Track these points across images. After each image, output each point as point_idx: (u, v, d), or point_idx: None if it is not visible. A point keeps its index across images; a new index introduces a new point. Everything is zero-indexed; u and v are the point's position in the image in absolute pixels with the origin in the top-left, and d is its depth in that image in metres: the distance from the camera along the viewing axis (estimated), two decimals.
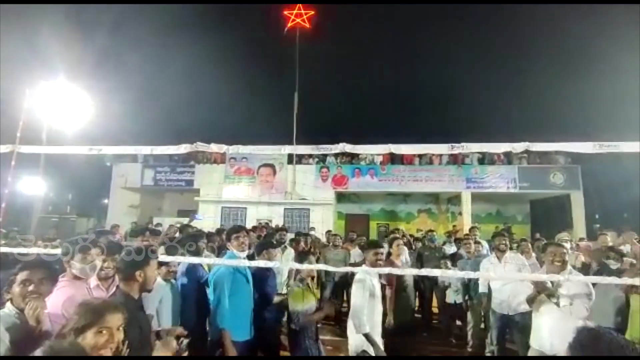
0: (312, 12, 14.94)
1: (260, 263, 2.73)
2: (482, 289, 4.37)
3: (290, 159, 13.04)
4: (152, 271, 2.05)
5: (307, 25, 14.91)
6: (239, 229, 3.10)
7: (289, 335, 2.94)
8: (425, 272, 2.95)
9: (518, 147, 2.39)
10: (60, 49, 10.54)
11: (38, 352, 1.02)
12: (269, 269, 3.23)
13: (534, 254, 4.80)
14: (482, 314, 4.74)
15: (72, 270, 2.30)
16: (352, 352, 2.78)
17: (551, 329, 2.65)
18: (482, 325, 4.92)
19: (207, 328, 2.98)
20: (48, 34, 11.02)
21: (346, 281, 5.29)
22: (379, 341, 2.78)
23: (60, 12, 12.13)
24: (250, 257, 3.74)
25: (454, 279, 5.05)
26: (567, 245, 4.56)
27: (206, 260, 3.14)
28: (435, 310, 5.79)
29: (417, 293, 5.38)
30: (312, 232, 8.12)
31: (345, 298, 5.74)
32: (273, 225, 9.74)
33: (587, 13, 13.99)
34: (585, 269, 3.98)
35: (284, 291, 3.71)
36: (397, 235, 5.56)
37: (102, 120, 11.49)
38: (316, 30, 15.06)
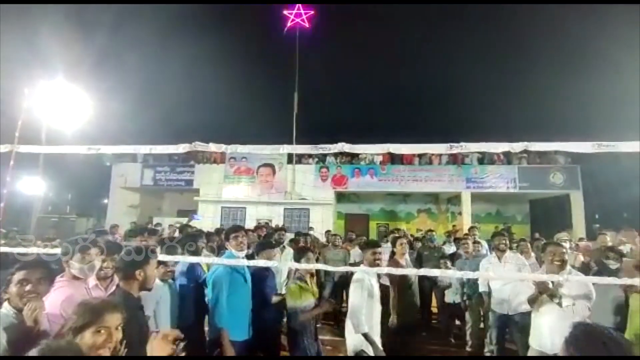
0: (312, 12, 14.92)
1: (259, 263, 2.72)
2: (482, 288, 4.37)
3: (290, 158, 13.05)
4: (152, 270, 2.08)
5: (307, 25, 14.91)
6: (238, 229, 3.10)
7: (288, 334, 2.94)
8: (423, 272, 2.95)
9: (517, 146, 2.39)
10: (60, 48, 10.54)
11: (34, 352, 1.01)
12: (267, 269, 3.23)
13: (533, 254, 4.80)
14: (482, 313, 4.74)
15: (71, 270, 2.30)
16: (350, 351, 2.78)
17: (552, 329, 2.65)
18: (482, 325, 4.92)
19: (207, 328, 2.98)
20: (47, 34, 11.02)
21: (346, 281, 5.28)
22: (378, 341, 2.78)
23: (60, 12, 12.13)
24: (250, 257, 3.75)
25: (453, 279, 5.05)
26: (566, 245, 4.57)
27: (205, 259, 3.13)
28: (434, 309, 5.79)
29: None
30: (311, 232, 8.11)
31: (344, 298, 5.74)
32: (273, 225, 9.74)
33: (587, 13, 13.99)
34: (584, 269, 3.98)
35: (284, 291, 3.71)
36: (401, 234, 5.57)
37: (102, 120, 11.49)
38: (316, 30, 15.08)
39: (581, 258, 4.49)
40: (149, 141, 2.99)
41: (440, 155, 12.47)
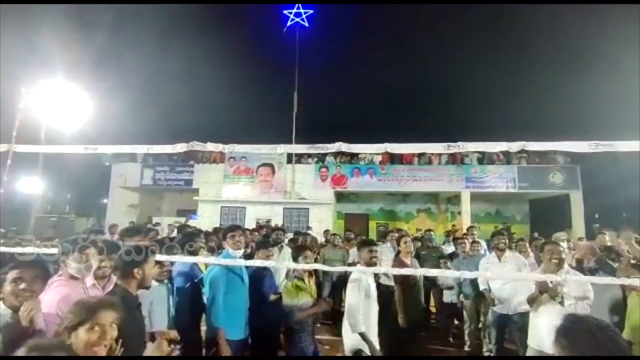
0: (311, 12, 14.93)
1: (256, 262, 2.73)
2: (482, 286, 4.36)
3: (290, 158, 13.06)
4: (150, 269, 2.10)
5: (306, 24, 14.92)
6: (235, 228, 3.12)
7: (285, 332, 2.95)
8: (422, 271, 2.95)
9: (514, 146, 2.39)
10: (59, 48, 10.53)
11: (22, 350, 1.01)
12: (265, 268, 3.23)
13: (532, 254, 4.80)
14: (484, 311, 4.73)
15: (69, 269, 2.30)
16: (347, 351, 2.78)
17: (551, 328, 2.64)
18: (480, 325, 4.92)
19: (205, 327, 2.98)
20: (47, 34, 11.01)
21: (344, 281, 5.26)
22: (375, 341, 2.78)
23: (59, 12, 12.12)
24: (248, 257, 3.75)
25: (451, 279, 5.05)
26: (564, 244, 4.57)
27: (202, 259, 3.13)
28: (432, 309, 5.79)
29: None
30: (309, 232, 8.12)
31: (343, 297, 5.73)
32: (272, 224, 9.75)
33: (586, 13, 13.99)
34: (579, 268, 3.98)
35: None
36: (404, 233, 5.58)
37: (101, 120, 11.48)
38: (316, 29, 15.09)
39: (577, 256, 4.49)
40: (148, 141, 3.00)
41: (440, 155, 12.48)
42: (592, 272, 3.65)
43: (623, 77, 11.62)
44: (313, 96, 14.98)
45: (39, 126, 9.21)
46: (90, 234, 5.62)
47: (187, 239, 3.49)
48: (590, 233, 10.46)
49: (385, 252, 5.60)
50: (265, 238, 5.06)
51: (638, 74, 10.51)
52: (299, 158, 13.30)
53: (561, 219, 12.01)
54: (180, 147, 2.73)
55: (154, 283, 2.49)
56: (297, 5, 14.99)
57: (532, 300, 2.84)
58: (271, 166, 13.18)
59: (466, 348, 4.85)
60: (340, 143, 2.50)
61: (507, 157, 12.60)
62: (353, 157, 13.08)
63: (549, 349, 2.63)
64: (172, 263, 3.07)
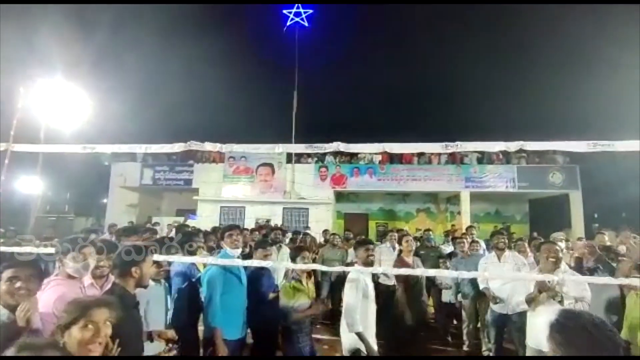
0: (311, 11, 14.92)
1: (254, 262, 2.73)
2: (482, 286, 4.36)
3: (289, 158, 13.05)
4: (148, 268, 2.12)
5: (306, 24, 14.91)
6: (233, 227, 3.14)
7: (282, 332, 2.95)
8: (420, 271, 2.95)
9: (512, 146, 2.39)
10: (59, 47, 10.52)
11: (10, 350, 1.01)
12: (264, 267, 3.24)
13: (530, 253, 4.80)
14: (482, 310, 4.73)
15: (66, 269, 2.30)
16: (345, 350, 2.79)
17: (547, 325, 2.64)
18: (479, 325, 4.92)
19: (203, 327, 2.98)
20: (46, 33, 11.00)
21: (343, 281, 5.24)
22: (373, 341, 2.79)
23: (58, 11, 12.11)
24: (247, 256, 3.75)
25: (449, 279, 5.05)
26: (563, 244, 4.57)
27: (200, 259, 3.13)
28: (430, 309, 5.79)
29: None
30: (308, 231, 8.11)
31: (342, 297, 5.73)
32: (272, 224, 9.75)
33: (586, 13, 13.98)
34: (578, 267, 3.98)
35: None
36: (405, 232, 5.58)
37: (101, 120, 11.47)
38: (315, 29, 15.08)
39: (577, 255, 4.49)
40: (148, 141, 3.00)
41: (440, 154, 12.49)
42: (591, 272, 3.65)
43: (622, 77, 11.62)
44: (313, 96, 14.98)
45: (39, 126, 9.20)
46: (87, 234, 5.62)
47: (186, 238, 3.49)
48: (590, 233, 10.46)
49: (384, 251, 5.60)
50: (264, 238, 5.06)
51: (637, 74, 10.51)
52: (299, 158, 13.29)
53: (561, 218, 12.01)
54: (178, 147, 2.73)
55: (150, 282, 2.49)
56: (296, 5, 14.99)
57: (530, 300, 2.84)
58: (271, 166, 13.18)
59: (465, 348, 4.85)
60: (339, 143, 2.50)
61: (506, 157, 12.59)
62: (352, 156, 13.08)
63: (547, 347, 2.63)
64: (169, 263, 3.07)
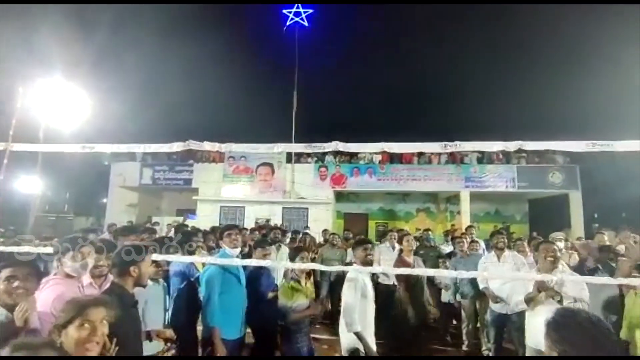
0: (311, 11, 14.91)
1: (252, 262, 2.72)
2: (482, 286, 4.36)
3: (289, 158, 13.04)
4: (147, 267, 2.13)
5: (306, 23, 14.90)
6: (231, 227, 3.14)
7: (280, 332, 2.94)
8: (419, 271, 2.95)
9: (511, 145, 2.39)
10: (58, 47, 10.52)
11: (5, 350, 1.00)
12: (263, 267, 3.24)
13: (530, 253, 4.79)
14: (481, 310, 4.73)
15: (64, 268, 2.30)
16: (344, 350, 2.79)
17: (544, 323, 2.64)
18: (478, 324, 4.92)
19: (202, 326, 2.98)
20: (46, 33, 10.99)
21: (342, 280, 5.27)
22: (372, 340, 2.79)
23: (58, 11, 12.09)
24: (246, 256, 3.75)
25: (448, 279, 5.04)
26: (562, 244, 4.57)
27: (199, 259, 3.13)
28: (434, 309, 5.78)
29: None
30: (307, 231, 8.11)
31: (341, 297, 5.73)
32: (272, 224, 9.74)
33: (585, 12, 13.97)
34: (580, 267, 3.98)
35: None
36: (407, 232, 5.59)
37: (100, 120, 11.46)
38: (315, 28, 15.06)
39: (576, 257, 4.49)
40: (147, 141, 3.00)
41: (440, 154, 12.49)
42: (592, 272, 3.65)
43: (622, 76, 11.62)
44: (313, 96, 14.97)
45: (38, 125, 9.20)
46: (85, 233, 5.61)
47: (184, 238, 3.49)
48: (590, 233, 10.46)
49: (384, 251, 5.60)
50: (264, 237, 5.07)
51: (637, 73, 10.50)
52: (298, 157, 13.28)
53: (560, 218, 12.01)
54: (177, 146, 2.73)
55: (148, 282, 2.49)
56: (296, 5, 14.97)
57: (529, 300, 2.84)
58: (270, 166, 13.17)
59: (464, 347, 4.85)
60: (337, 142, 2.50)
61: (506, 157, 12.60)
62: (352, 156, 13.07)
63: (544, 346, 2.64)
64: (168, 262, 3.07)
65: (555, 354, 1.08)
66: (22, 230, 7.58)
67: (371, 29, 20.18)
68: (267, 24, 16.28)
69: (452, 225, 12.44)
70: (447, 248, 6.54)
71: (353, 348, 2.68)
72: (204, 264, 3.26)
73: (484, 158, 12.78)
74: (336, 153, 12.95)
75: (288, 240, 6.21)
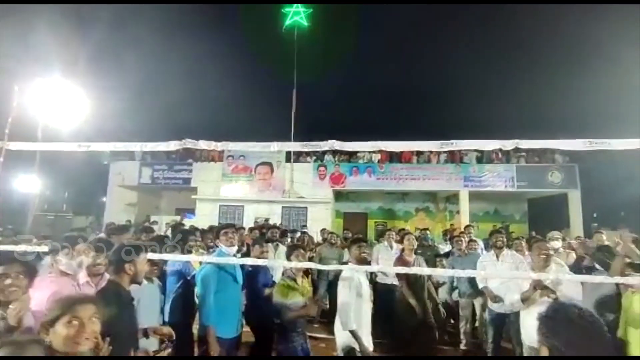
0: (310, 10, 14.88)
1: (248, 260, 2.72)
2: (481, 285, 4.36)
3: (288, 157, 13.03)
4: (142, 265, 2.16)
5: (305, 23, 14.86)
6: (228, 226, 3.14)
7: (276, 330, 2.94)
8: (417, 270, 2.95)
9: (508, 144, 2.39)
10: (56, 45, 10.49)
11: None
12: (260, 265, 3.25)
13: (528, 252, 4.79)
14: (480, 309, 4.73)
15: (59, 266, 2.31)
16: (339, 348, 2.80)
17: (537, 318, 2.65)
18: (476, 324, 4.92)
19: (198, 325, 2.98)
20: (44, 31, 10.96)
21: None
22: (368, 339, 2.79)
23: (56, 9, 12.06)
24: (245, 255, 3.75)
25: (446, 278, 5.05)
26: (559, 243, 4.57)
27: (195, 258, 3.13)
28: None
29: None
30: (305, 230, 8.11)
31: None
32: (271, 223, 9.74)
33: (585, 12, 13.96)
34: (577, 266, 3.98)
35: None
36: (408, 231, 5.60)
37: (99, 119, 11.44)
38: (315, 28, 15.03)
39: (574, 256, 4.49)
40: (146, 140, 2.99)
41: (439, 154, 12.49)
42: (589, 270, 3.65)
43: (621, 76, 11.60)
44: (312, 95, 14.95)
45: (36, 124, 9.19)
46: (79, 232, 5.60)
47: (181, 237, 3.49)
48: (589, 232, 10.46)
49: (382, 250, 5.61)
50: (261, 235, 5.08)
51: (636, 73, 10.50)
52: (298, 157, 13.28)
53: (560, 218, 12.02)
54: (173, 145, 2.73)
55: (143, 281, 2.49)
56: (295, 5, 14.92)
57: (526, 298, 2.84)
58: (270, 165, 13.16)
59: (462, 347, 4.85)
60: (334, 141, 2.50)
61: (506, 156, 12.60)
62: (351, 155, 13.07)
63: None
64: (165, 261, 3.07)
65: (545, 348, 1.07)
66: (21, 229, 7.57)
67: (370, 29, 20.15)
68: (266, 23, 16.24)
69: (451, 224, 12.44)
70: (445, 247, 6.55)
71: (348, 347, 2.69)
72: (200, 263, 3.26)
73: (483, 157, 12.78)
74: (335, 152, 12.94)
75: (289, 239, 6.21)
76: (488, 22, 17.32)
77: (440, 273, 4.60)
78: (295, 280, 2.90)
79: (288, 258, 3.02)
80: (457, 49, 18.43)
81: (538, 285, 2.72)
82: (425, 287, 4.08)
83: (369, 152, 12.45)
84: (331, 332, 5.07)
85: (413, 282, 3.93)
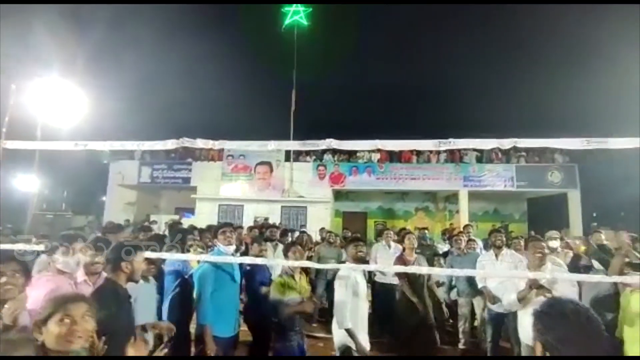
0: (310, 9, 14.86)
1: (246, 259, 2.72)
2: (480, 285, 4.36)
3: (288, 156, 13.03)
4: (139, 263, 2.18)
5: (305, 22, 14.84)
6: (226, 225, 3.14)
7: (273, 328, 2.94)
8: (415, 269, 2.95)
9: (505, 143, 2.38)
10: (54, 45, 10.48)
11: None
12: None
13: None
14: (480, 308, 4.73)
15: (56, 264, 2.31)
16: (336, 346, 2.80)
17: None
18: (476, 323, 4.92)
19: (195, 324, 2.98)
20: (42, 30, 10.95)
21: None
22: (365, 338, 2.79)
23: (54, 9, 12.03)
24: (244, 254, 3.75)
25: (443, 276, 5.04)
26: (557, 242, 4.57)
27: (192, 257, 3.13)
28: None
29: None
30: (303, 230, 8.10)
31: None
32: (271, 223, 9.73)
33: (583, 11, 13.95)
34: (574, 264, 3.98)
35: None
36: (408, 230, 5.61)
37: (98, 118, 11.43)
38: (315, 27, 15.02)
39: (571, 255, 4.48)
40: (145, 139, 2.98)
41: (439, 153, 12.48)
42: (586, 269, 3.65)
43: (620, 75, 11.60)
44: (311, 95, 14.94)
45: (35, 123, 9.18)
46: (76, 231, 5.61)
47: (178, 236, 3.49)
48: (589, 232, 10.44)
49: (380, 249, 5.61)
50: (260, 234, 5.08)
51: (636, 73, 10.49)
52: (297, 156, 13.27)
53: (559, 217, 12.01)
54: (170, 144, 2.73)
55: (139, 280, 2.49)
56: (295, 4, 14.90)
57: (522, 298, 2.84)
58: (269, 164, 13.16)
59: (460, 346, 4.85)
60: (331, 140, 2.49)
61: (505, 156, 12.60)
62: (351, 155, 13.07)
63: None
64: (163, 260, 3.07)
65: (539, 344, 1.06)
66: (20, 228, 7.58)
67: (369, 28, 20.15)
68: (266, 23, 16.22)
69: (451, 224, 12.44)
70: (444, 247, 6.55)
71: (344, 345, 2.69)
72: (198, 262, 3.26)
73: (483, 157, 12.78)
74: (335, 152, 12.94)
75: (289, 239, 6.20)
76: (487, 22, 17.33)
77: (438, 272, 4.59)
78: (293, 277, 2.90)
79: (285, 255, 3.02)
80: (457, 49, 18.43)
81: (534, 285, 2.72)
82: (425, 286, 4.08)
83: (369, 151, 12.45)
84: (330, 331, 5.07)
85: (413, 282, 3.93)
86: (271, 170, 13.15)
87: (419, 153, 12.77)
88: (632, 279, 2.66)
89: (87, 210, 17.46)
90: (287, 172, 13.05)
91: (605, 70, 12.38)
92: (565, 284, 2.67)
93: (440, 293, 5.24)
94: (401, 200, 14.84)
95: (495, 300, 4.00)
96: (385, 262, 5.07)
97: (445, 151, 11.90)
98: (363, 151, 12.54)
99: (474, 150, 12.37)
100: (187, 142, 2.65)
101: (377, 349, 4.04)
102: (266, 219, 11.81)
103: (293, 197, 12.76)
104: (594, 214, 14.08)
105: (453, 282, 5.10)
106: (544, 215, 13.23)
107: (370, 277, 5.53)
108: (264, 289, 3.31)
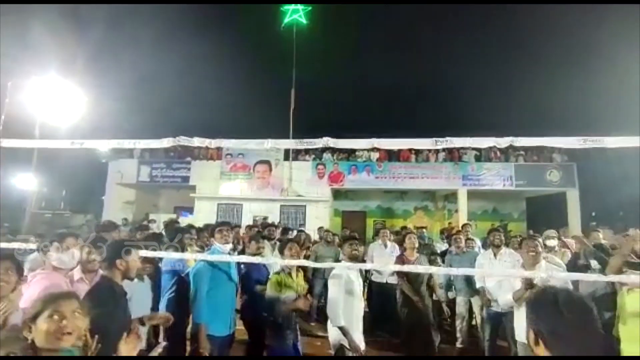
0: (309, 8, 14.83)
1: (242, 258, 2.72)
2: (479, 284, 4.36)
3: (287, 155, 13.02)
4: (134, 261, 2.17)
5: (304, 21, 14.82)
6: (223, 224, 3.14)
7: (269, 325, 2.94)
8: (412, 268, 2.95)
9: (502, 141, 2.38)
10: (53, 44, 10.47)
11: None
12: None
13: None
14: (478, 307, 4.73)
15: (50, 261, 2.31)
16: (331, 344, 2.81)
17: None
18: (474, 322, 4.92)
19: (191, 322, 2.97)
20: (41, 29, 10.93)
21: None
22: (359, 337, 2.80)
23: (53, 8, 12.01)
24: (242, 252, 3.74)
25: (441, 276, 5.04)
26: (555, 241, 4.57)
27: (189, 255, 3.12)
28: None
29: None
30: (302, 229, 8.09)
31: None
32: (270, 222, 9.72)
33: (583, 11, 13.94)
34: (573, 263, 3.98)
35: None
36: (409, 230, 5.61)
37: (96, 117, 11.42)
38: (314, 26, 14.99)
39: (569, 255, 4.48)
40: (144, 138, 2.97)
41: (437, 152, 12.47)
42: (584, 269, 3.64)
43: (619, 75, 11.60)
44: (311, 94, 14.92)
45: (34, 122, 9.17)
46: (75, 229, 5.62)
47: (175, 234, 3.49)
48: (588, 231, 10.43)
49: (376, 249, 5.61)
50: (258, 233, 5.08)
51: (636, 73, 10.48)
52: (296, 155, 13.26)
53: (558, 216, 12.00)
54: (167, 142, 2.72)
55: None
56: (294, 4, 14.86)
57: (518, 297, 2.84)
58: (268, 163, 13.15)
59: (458, 345, 4.85)
60: (328, 138, 2.49)
61: (504, 155, 12.60)
62: (350, 154, 13.06)
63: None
64: (159, 259, 3.07)
65: (532, 333, 1.05)
66: (18, 227, 7.57)
67: (369, 27, 20.13)
68: (265, 22, 16.20)
69: (450, 223, 12.44)
70: (442, 246, 6.54)
71: (338, 343, 2.70)
72: (195, 261, 3.26)
73: (481, 156, 12.78)
74: (334, 151, 12.92)
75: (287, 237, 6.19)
76: (486, 22, 17.32)
77: (435, 271, 4.59)
78: (290, 274, 2.90)
79: (281, 252, 3.02)
80: (456, 48, 18.42)
81: (529, 284, 2.72)
82: (425, 285, 4.08)
83: (368, 150, 12.44)
84: (327, 330, 5.09)
85: (413, 281, 3.93)
86: (270, 169, 13.15)
87: (417, 152, 12.76)
88: (628, 278, 2.66)
89: (85, 209, 17.43)
90: (286, 171, 13.04)
91: (604, 69, 12.38)
92: (560, 283, 2.67)
93: (440, 292, 5.25)
94: (400, 199, 14.84)
95: (490, 303, 4.01)
96: (381, 261, 5.07)
97: (444, 150, 11.89)
98: (362, 150, 12.54)
99: (473, 149, 12.36)
100: (183, 140, 2.65)
101: (373, 347, 4.04)
102: (265, 218, 11.79)
103: (292, 196, 12.75)
104: (593, 213, 14.09)
105: (452, 279, 5.09)
106: (543, 214, 13.22)
107: (366, 276, 5.53)
108: (260, 288, 3.31)
